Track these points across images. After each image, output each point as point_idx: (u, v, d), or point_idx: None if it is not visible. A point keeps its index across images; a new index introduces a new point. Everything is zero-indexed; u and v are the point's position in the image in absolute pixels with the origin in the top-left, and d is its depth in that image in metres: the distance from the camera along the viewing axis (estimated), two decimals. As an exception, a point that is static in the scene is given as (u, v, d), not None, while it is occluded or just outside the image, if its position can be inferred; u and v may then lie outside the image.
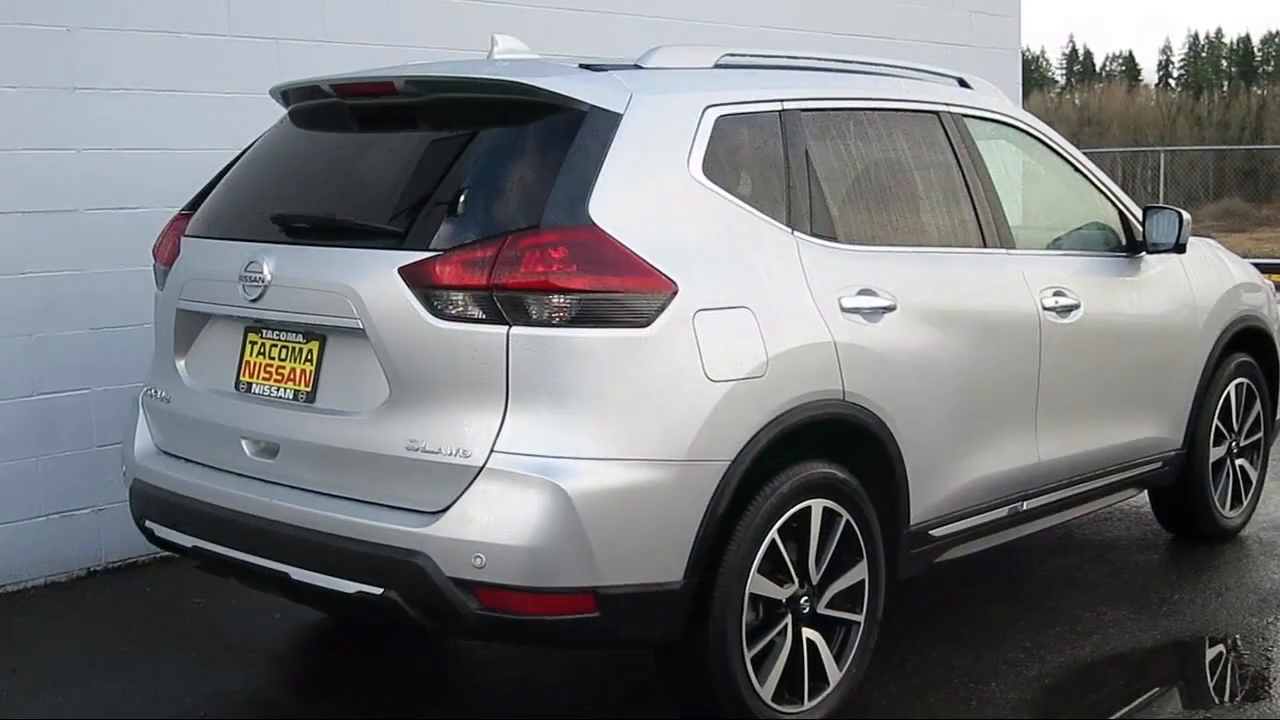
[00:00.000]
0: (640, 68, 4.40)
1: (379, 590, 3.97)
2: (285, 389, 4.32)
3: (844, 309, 4.38)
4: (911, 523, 4.66)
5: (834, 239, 4.51)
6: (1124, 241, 5.88)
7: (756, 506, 4.11)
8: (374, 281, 4.04)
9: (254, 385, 4.42)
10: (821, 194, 4.54)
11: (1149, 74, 73.79)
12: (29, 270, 5.93)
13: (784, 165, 4.45)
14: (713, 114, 4.30)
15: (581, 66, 4.36)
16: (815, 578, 4.33)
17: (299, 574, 4.14)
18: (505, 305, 3.89)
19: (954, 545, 4.98)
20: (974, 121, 5.29)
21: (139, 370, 5.71)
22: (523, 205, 4.01)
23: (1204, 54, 74.72)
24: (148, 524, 4.74)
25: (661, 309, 3.97)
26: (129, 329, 6.14)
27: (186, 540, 4.56)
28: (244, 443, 4.39)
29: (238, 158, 4.93)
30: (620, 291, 3.94)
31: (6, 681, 5.06)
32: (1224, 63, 73.31)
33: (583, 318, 3.90)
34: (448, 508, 3.91)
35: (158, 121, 6.20)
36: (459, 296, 3.93)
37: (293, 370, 4.32)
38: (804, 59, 5.05)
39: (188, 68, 6.30)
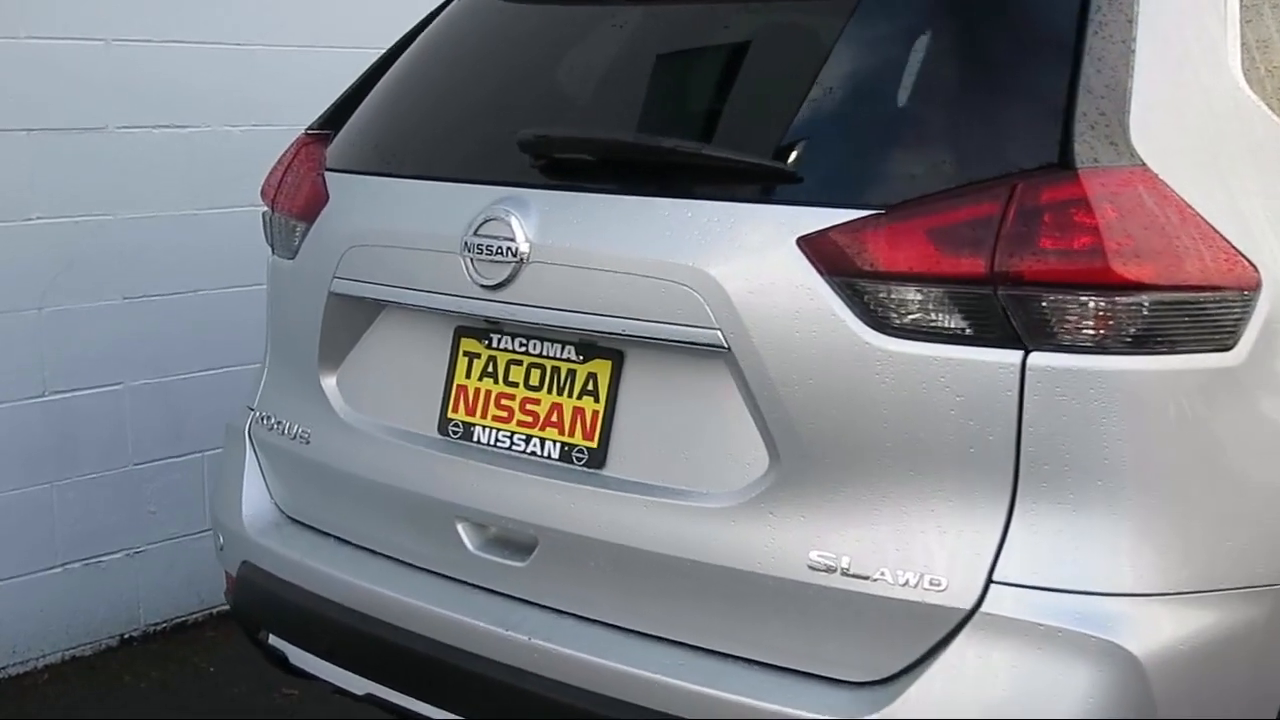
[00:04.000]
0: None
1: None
2: (544, 440, 2.50)
3: None
4: None
5: None
6: None
7: None
8: (749, 261, 2.24)
9: (477, 428, 2.59)
10: None
11: None
12: (37, 215, 4.08)
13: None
14: None
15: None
16: None
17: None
18: (1020, 313, 2.08)
19: None
20: None
21: (198, 358, 4.33)
22: (1023, 127, 2.18)
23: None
24: (270, 640, 2.89)
25: (1243, 317, 2.17)
26: (180, 299, 4.42)
27: (349, 680, 2.73)
28: (461, 527, 2.58)
29: (405, 43, 3.03)
30: (1199, 289, 2.14)
31: None
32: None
33: (1146, 336, 2.09)
34: (901, 681, 2.14)
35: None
36: (925, 294, 2.12)
37: (557, 408, 2.49)
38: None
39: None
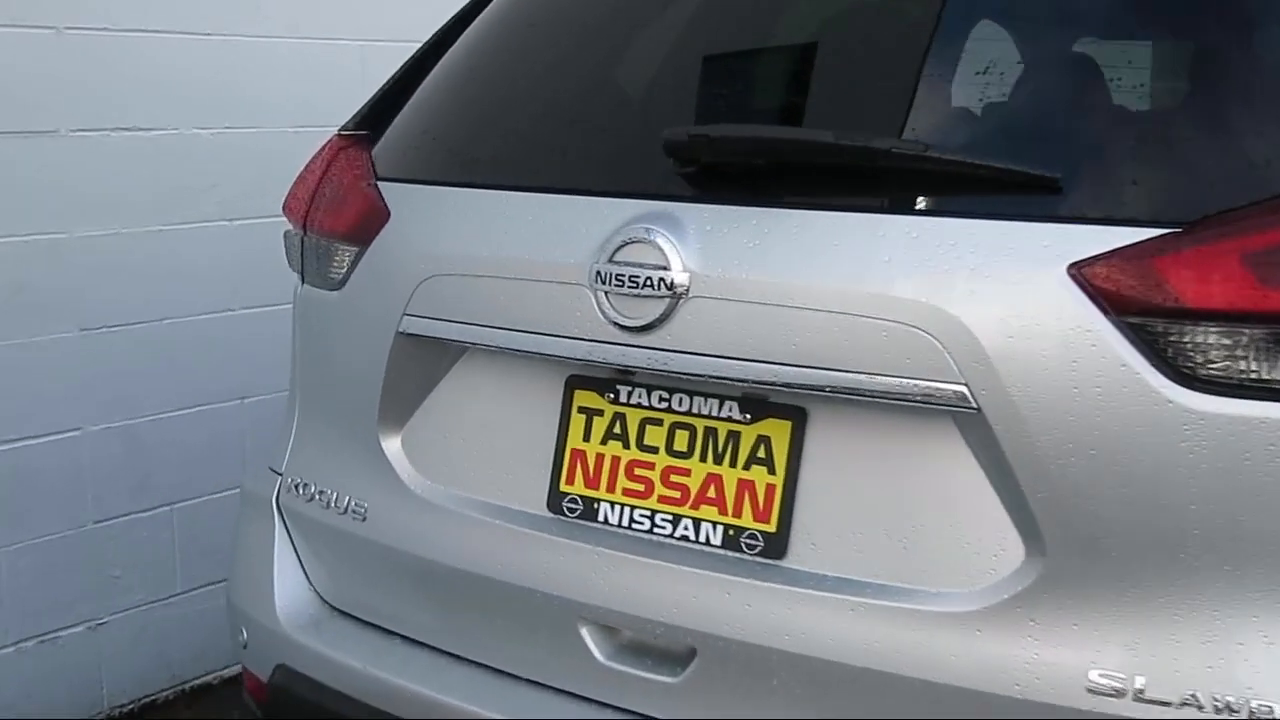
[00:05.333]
0: None
1: None
2: (699, 521, 1.97)
3: None
4: None
5: None
6: None
7: None
8: (1005, 296, 1.73)
9: (603, 505, 2.04)
10: None
11: None
12: (-21, 234, 3.44)
13: None
14: None
15: None
16: None
17: None
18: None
19: None
20: None
21: (166, 396, 3.75)
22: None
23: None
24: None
25: None
26: (146, 329, 3.83)
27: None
28: (585, 630, 2.04)
29: (462, 21, 2.48)
30: None
31: None
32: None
33: None
34: None
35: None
36: (1245, 337, 1.62)
37: (715, 482, 1.96)
38: None
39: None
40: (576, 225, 2.00)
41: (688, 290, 1.89)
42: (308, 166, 2.54)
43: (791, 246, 1.84)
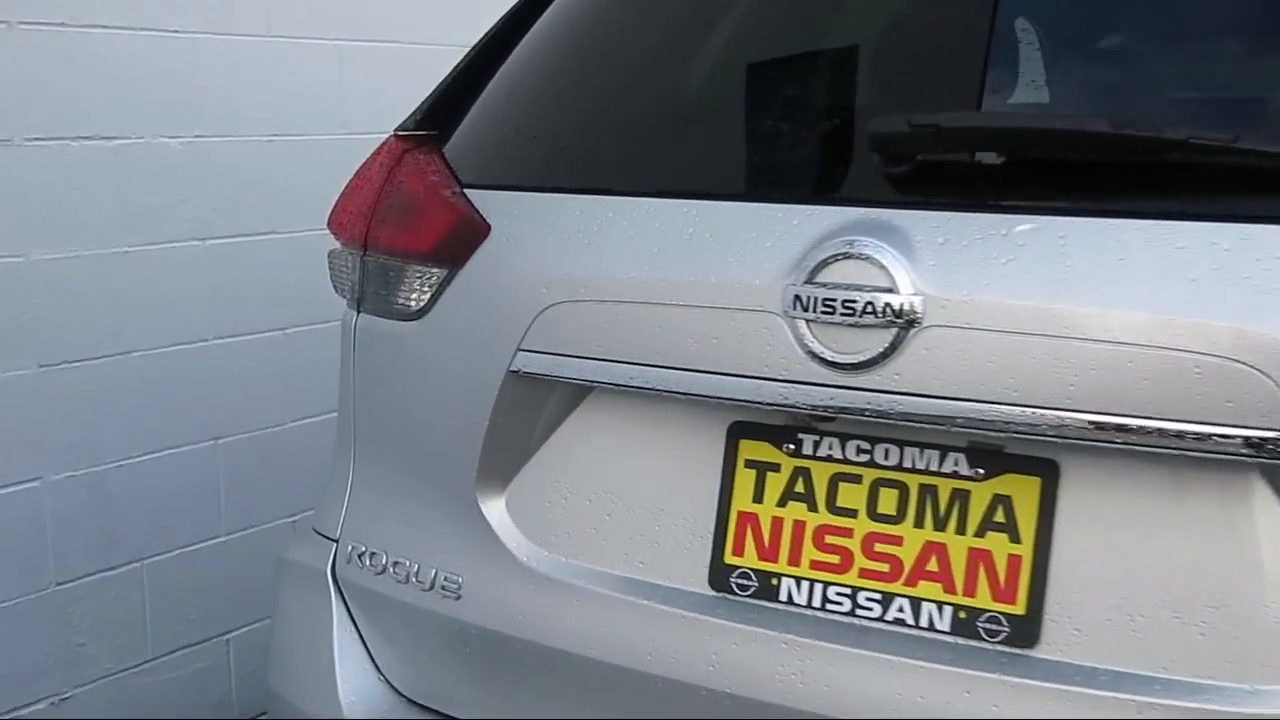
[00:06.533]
0: None
1: None
2: (919, 601, 1.60)
3: None
4: None
5: None
6: None
7: None
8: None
9: (786, 581, 1.67)
10: None
11: None
12: (-78, 260, 2.99)
13: None
14: None
15: None
16: None
17: None
18: None
19: None
20: None
21: (134, 439, 3.35)
22: None
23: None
24: None
25: None
26: (111, 363, 3.38)
27: None
28: (769, 734, 1.62)
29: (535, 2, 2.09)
30: None
31: None
32: None
33: None
34: None
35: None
36: None
37: (938, 552, 1.60)
38: None
39: None
40: (759, 238, 1.62)
41: (921, 317, 1.51)
42: (361, 173, 2.13)
43: (1057, 262, 1.48)
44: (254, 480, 3.68)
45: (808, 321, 1.58)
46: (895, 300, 1.53)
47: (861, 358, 1.55)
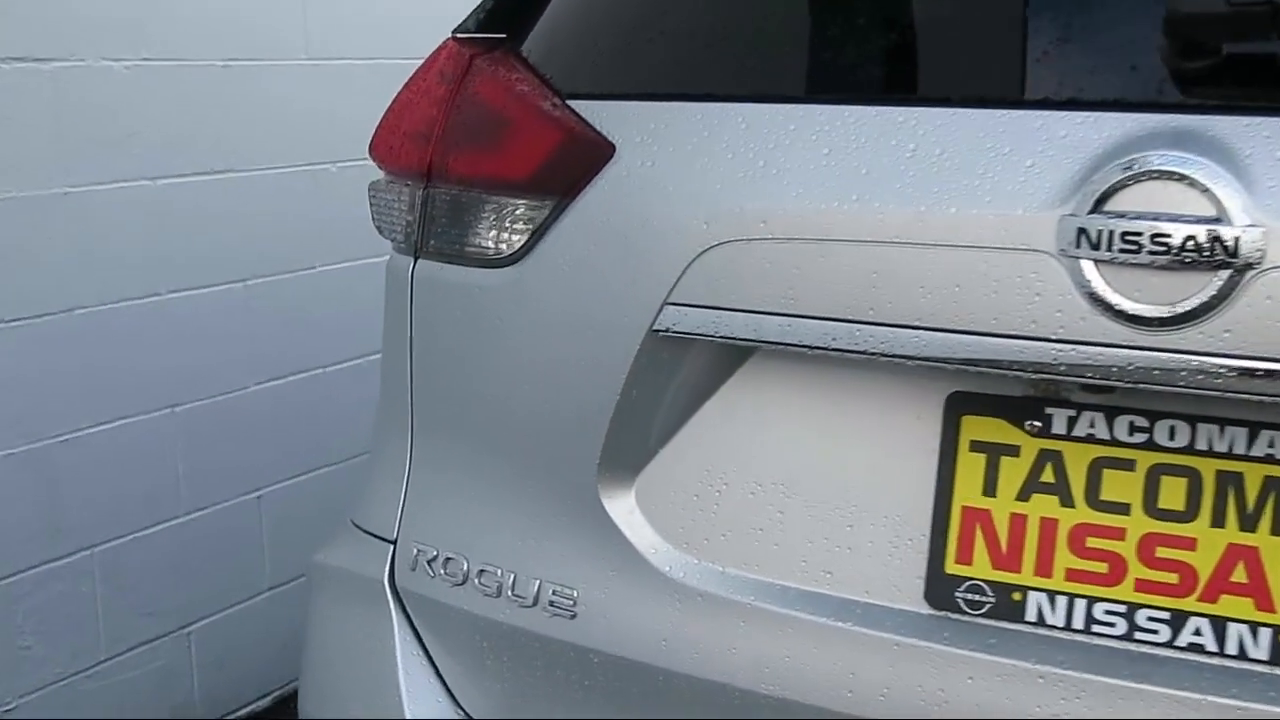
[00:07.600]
0: None
1: None
2: (1224, 622, 1.23)
3: None
4: None
5: None
6: None
7: None
8: None
9: (1032, 596, 1.29)
10: None
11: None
12: None
13: None
14: None
15: None
16: None
17: None
18: None
19: None
20: None
21: (81, 409, 2.97)
22: None
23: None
24: None
25: None
26: (52, 322, 2.95)
27: None
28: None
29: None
30: None
31: None
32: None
33: None
34: None
35: None
36: None
37: (1248, 558, 1.21)
38: None
39: None
40: (1014, 155, 1.24)
41: (1259, 257, 1.14)
42: (413, 85, 1.71)
43: None
44: (215, 452, 3.25)
45: (1097, 262, 1.20)
46: (1227, 234, 1.15)
47: (1179, 309, 1.17)
